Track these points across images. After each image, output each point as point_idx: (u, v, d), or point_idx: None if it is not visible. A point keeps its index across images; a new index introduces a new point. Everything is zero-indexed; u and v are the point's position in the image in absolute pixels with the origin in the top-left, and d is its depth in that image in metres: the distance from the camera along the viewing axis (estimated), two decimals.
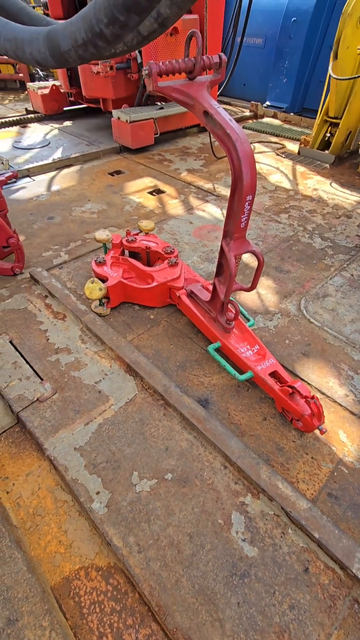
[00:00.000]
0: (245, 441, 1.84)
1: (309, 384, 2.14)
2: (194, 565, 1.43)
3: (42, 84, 6.52)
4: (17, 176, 3.26)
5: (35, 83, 6.57)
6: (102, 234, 2.76)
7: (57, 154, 5.24)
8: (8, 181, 2.83)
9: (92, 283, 2.37)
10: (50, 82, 6.58)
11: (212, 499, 1.62)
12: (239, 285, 2.01)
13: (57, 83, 6.43)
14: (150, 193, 4.24)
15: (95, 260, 2.61)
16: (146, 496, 1.61)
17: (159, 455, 1.76)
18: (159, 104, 5.52)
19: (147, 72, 1.64)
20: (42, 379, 2.07)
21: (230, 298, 2.12)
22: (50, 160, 4.76)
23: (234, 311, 2.10)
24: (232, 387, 2.11)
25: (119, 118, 4.97)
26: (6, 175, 2.76)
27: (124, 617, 1.34)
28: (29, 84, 6.41)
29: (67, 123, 6.58)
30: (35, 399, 1.97)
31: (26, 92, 8.57)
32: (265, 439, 1.87)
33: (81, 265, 3.02)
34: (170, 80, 1.74)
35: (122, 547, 1.46)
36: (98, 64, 4.76)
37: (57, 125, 6.41)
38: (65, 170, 4.72)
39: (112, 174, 4.67)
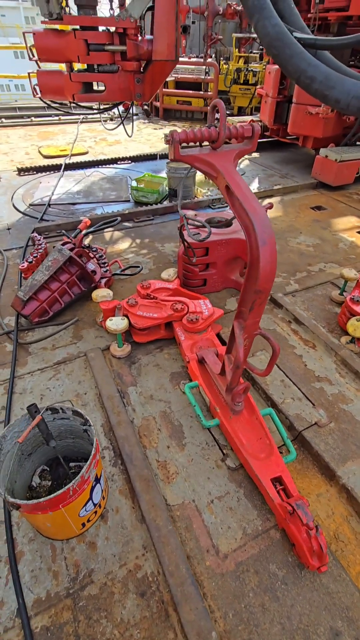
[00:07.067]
0: None
1: None
2: None
3: (239, 118, 7.14)
4: None
5: (233, 117, 7.23)
6: (349, 273, 2.84)
7: (255, 184, 5.63)
8: None
9: (357, 321, 2.44)
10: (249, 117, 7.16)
11: None
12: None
13: (255, 118, 6.98)
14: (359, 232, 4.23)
15: (352, 298, 2.68)
16: None
17: None
18: None
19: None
20: (314, 404, 2.19)
21: None
22: (255, 190, 5.14)
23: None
24: None
25: (326, 156, 5.11)
26: None
27: None
28: (229, 119, 7.08)
29: (255, 154, 7.05)
30: (313, 423, 2.08)
31: None
32: None
33: (312, 296, 3.14)
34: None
35: None
36: (321, 106, 5.00)
37: (246, 156, 6.92)
38: (267, 200, 5.03)
39: (314, 209, 4.80)
